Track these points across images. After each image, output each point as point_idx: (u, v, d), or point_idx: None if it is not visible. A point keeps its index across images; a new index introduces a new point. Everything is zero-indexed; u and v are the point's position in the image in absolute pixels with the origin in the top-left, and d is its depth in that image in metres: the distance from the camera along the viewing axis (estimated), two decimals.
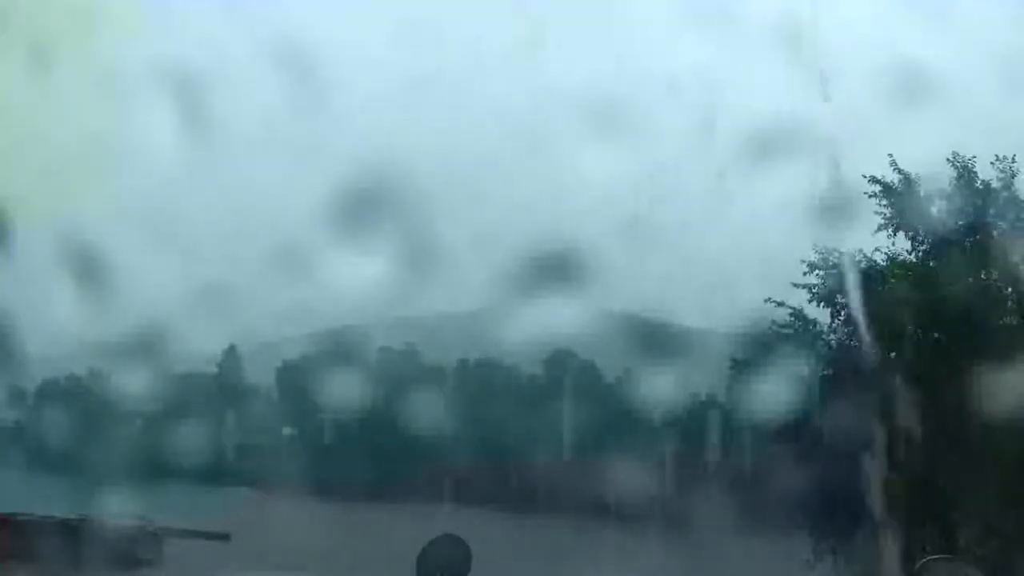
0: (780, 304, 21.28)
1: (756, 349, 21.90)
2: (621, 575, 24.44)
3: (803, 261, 20.95)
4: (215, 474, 35.92)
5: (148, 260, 33.28)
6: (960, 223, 20.59)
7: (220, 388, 44.16)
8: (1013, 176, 20.61)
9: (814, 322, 21.45)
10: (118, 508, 24.49)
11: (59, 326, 29.00)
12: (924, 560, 15.74)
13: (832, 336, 21.65)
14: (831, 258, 21.03)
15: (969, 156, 20.64)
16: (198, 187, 39.49)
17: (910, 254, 21.17)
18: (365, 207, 26.07)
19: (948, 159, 20.55)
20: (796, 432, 20.42)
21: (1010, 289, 20.61)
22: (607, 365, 41.06)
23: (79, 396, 39.87)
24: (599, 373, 42.29)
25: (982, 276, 20.61)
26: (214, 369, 45.55)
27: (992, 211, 20.72)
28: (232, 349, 45.62)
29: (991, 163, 20.57)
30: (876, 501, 19.61)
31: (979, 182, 20.68)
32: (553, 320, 32.52)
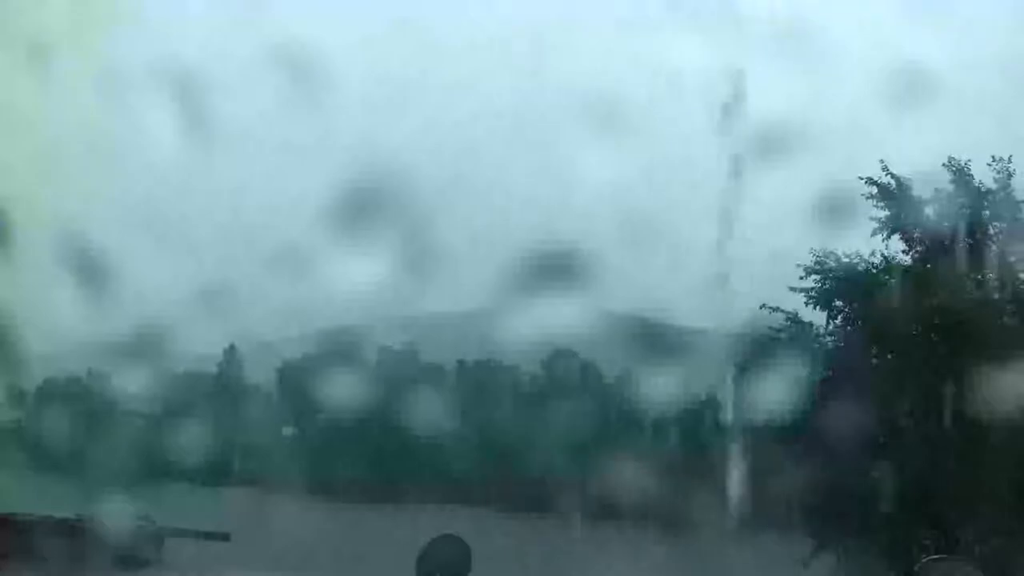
0: (775, 310, 21.33)
1: (756, 349, 21.89)
2: (621, 575, 24.45)
3: (799, 265, 20.98)
4: (215, 474, 35.93)
5: (148, 260, 33.33)
6: (956, 225, 20.56)
7: (220, 388, 44.18)
8: (1010, 177, 20.57)
9: (810, 324, 21.48)
10: (118, 508, 24.45)
11: (59, 326, 29.05)
12: (924, 560, 15.76)
13: (830, 338, 21.66)
14: (828, 261, 21.05)
15: (966, 158, 20.64)
16: (198, 187, 39.61)
17: (907, 255, 21.18)
18: (365, 207, 26.10)
19: (944, 164, 20.53)
20: (796, 432, 20.42)
21: (1007, 291, 20.58)
22: (607, 365, 41.08)
23: (79, 396, 39.89)
24: (599, 373, 42.31)
25: (979, 278, 20.59)
26: (214, 369, 45.58)
27: (988, 213, 20.70)
28: (232, 349, 45.67)
29: (988, 164, 20.56)
30: (876, 501, 19.63)
31: (976, 183, 20.66)
32: (553, 320, 32.54)
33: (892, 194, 20.83)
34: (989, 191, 20.64)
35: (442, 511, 32.69)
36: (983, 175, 20.62)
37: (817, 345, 21.55)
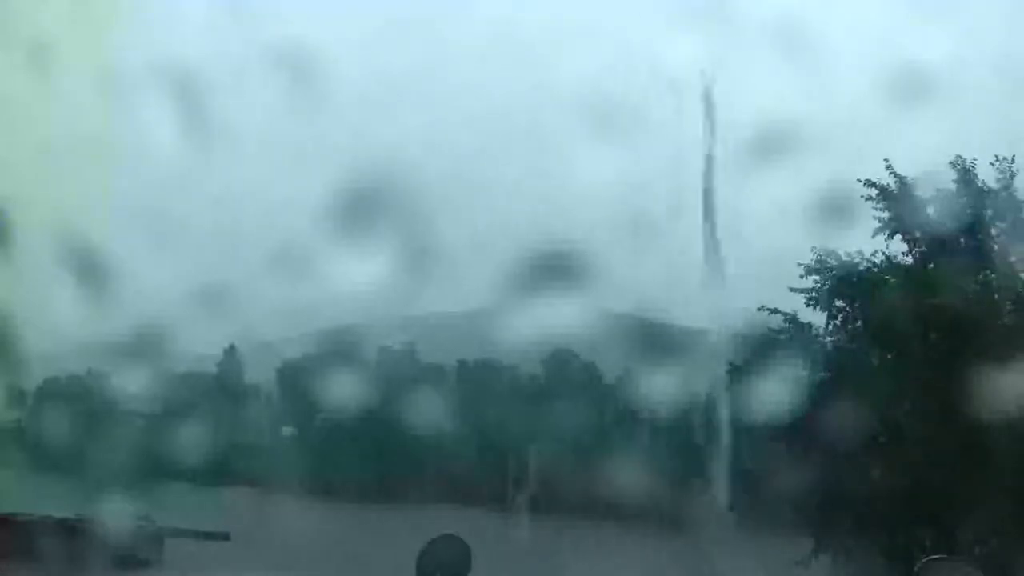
0: (773, 311, 21.34)
1: (755, 349, 21.90)
2: (621, 575, 24.47)
3: (799, 264, 20.99)
4: (215, 474, 35.88)
5: (148, 260, 33.33)
6: (957, 225, 20.56)
7: (220, 388, 44.15)
8: (1012, 177, 20.58)
9: (810, 325, 21.49)
10: (118, 508, 24.45)
11: (59, 326, 29.05)
12: (924, 560, 15.74)
13: (830, 338, 21.66)
14: (828, 261, 21.05)
15: (967, 158, 20.64)
16: (198, 187, 39.59)
17: (907, 255, 21.17)
18: (365, 207, 26.13)
19: (946, 163, 20.55)
20: (796, 432, 20.42)
21: (1007, 291, 20.57)
22: (607, 365, 41.05)
23: (79, 396, 39.84)
24: (599, 373, 42.29)
25: (979, 278, 20.59)
26: (214, 369, 45.56)
27: (989, 213, 20.70)
28: (232, 349, 45.63)
29: (990, 164, 20.56)
30: (876, 501, 19.63)
31: (977, 183, 20.66)
32: (553, 320, 32.54)
33: (893, 194, 20.84)
34: (990, 191, 20.65)
35: (442, 511, 32.69)
36: (984, 175, 20.66)
37: (817, 345, 21.56)
